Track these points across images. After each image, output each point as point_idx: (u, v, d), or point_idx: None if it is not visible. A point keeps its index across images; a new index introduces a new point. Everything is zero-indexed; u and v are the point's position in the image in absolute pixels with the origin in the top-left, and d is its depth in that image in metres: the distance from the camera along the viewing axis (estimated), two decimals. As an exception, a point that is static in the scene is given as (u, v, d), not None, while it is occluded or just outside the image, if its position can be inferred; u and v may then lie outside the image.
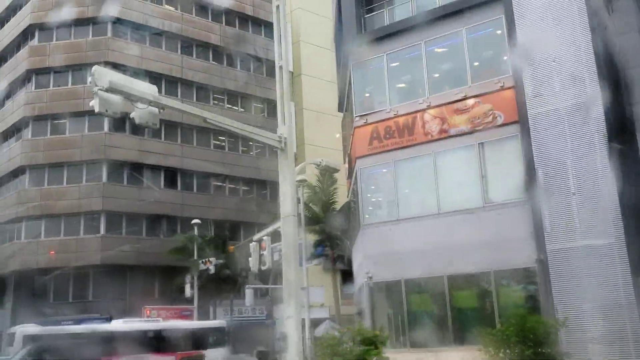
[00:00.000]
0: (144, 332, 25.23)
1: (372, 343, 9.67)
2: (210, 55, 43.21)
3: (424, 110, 17.46)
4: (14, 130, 40.26)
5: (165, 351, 25.07)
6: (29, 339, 21.86)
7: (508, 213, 15.45)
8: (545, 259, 14.08)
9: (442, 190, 16.73)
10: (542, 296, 14.32)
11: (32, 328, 23.49)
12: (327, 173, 28.46)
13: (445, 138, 16.94)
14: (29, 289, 37.12)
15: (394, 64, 18.88)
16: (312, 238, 30.84)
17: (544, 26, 15.34)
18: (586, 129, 14.36)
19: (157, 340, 25.25)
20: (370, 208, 19.29)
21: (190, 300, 34.93)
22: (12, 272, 37.15)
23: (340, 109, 25.26)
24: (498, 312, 14.80)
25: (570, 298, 13.48)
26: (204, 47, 42.78)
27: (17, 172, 38.85)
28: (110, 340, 22.98)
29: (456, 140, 16.84)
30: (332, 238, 31.22)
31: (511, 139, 15.98)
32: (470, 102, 16.72)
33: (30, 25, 39.64)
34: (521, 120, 15.37)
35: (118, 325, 25.34)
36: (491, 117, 16.32)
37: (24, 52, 40.02)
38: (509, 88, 16.08)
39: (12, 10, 42.48)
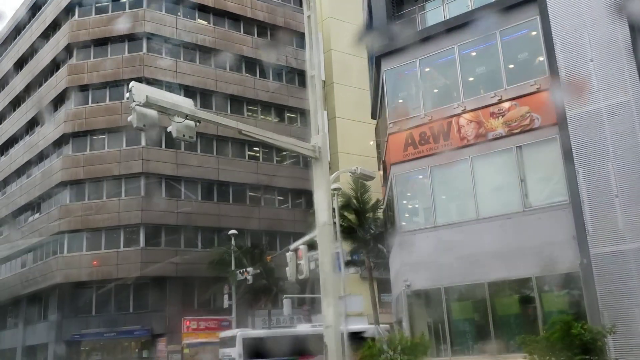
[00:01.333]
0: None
1: (412, 352, 9.52)
2: (243, 67, 43.69)
3: (459, 114, 17.25)
4: (55, 147, 41.35)
5: None
6: (247, 340, 27.57)
7: (549, 217, 15.11)
8: (589, 263, 13.71)
9: (480, 195, 16.47)
10: (587, 301, 13.93)
11: (249, 331, 30.31)
12: (360, 181, 28.39)
13: (481, 142, 16.69)
14: (73, 301, 37.94)
15: (427, 69, 18.74)
16: (348, 247, 30.73)
17: (581, 26, 15.03)
18: (628, 128, 13.98)
19: None
20: (406, 215, 19.12)
21: (228, 311, 35.18)
22: (56, 285, 38.05)
23: (373, 116, 25.17)
24: (542, 319, 14.46)
25: (617, 303, 13.08)
26: (237, 59, 43.28)
27: (58, 187, 39.85)
28: (303, 341, 26.09)
29: (493, 144, 16.57)
30: (368, 246, 31.04)
31: (550, 141, 15.65)
32: (507, 105, 16.46)
33: (68, 45, 40.78)
34: (559, 122, 15.05)
35: (306, 328, 29.31)
36: (528, 119, 16.03)
37: (63, 70, 41.16)
38: (546, 90, 15.78)
39: (51, 29, 43.78)
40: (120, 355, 38.67)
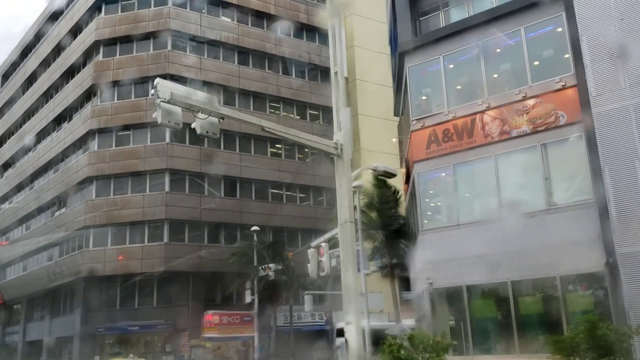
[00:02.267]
0: None
1: (434, 350, 9.49)
2: (266, 64, 43.84)
3: (483, 111, 17.10)
4: (81, 143, 41.99)
5: None
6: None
7: (573, 215, 14.91)
8: (615, 263, 13.51)
9: (504, 193, 16.32)
10: (612, 302, 13.74)
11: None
12: (380, 178, 28.26)
13: (506, 140, 16.53)
14: (97, 295, 38.55)
15: (450, 66, 18.61)
16: (369, 244, 30.69)
17: (608, 21, 14.78)
18: (656, 126, 13.72)
19: None
20: (429, 213, 19.02)
21: (250, 306, 35.40)
22: (82, 279, 38.68)
23: (396, 113, 25.08)
24: (565, 319, 14.29)
25: (643, 304, 12.88)
26: (260, 56, 43.45)
27: (84, 183, 40.47)
28: None
29: (517, 142, 16.39)
30: (389, 244, 30.94)
31: (575, 139, 15.45)
32: (531, 102, 16.27)
33: (95, 42, 41.35)
34: (585, 120, 14.83)
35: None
36: (553, 117, 15.83)
37: (89, 67, 41.76)
38: (572, 87, 15.56)
39: (78, 28, 44.44)
40: (143, 349, 39.18)
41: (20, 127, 52.40)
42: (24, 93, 52.30)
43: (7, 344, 49.69)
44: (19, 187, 51.22)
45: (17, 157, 52.35)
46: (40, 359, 40.92)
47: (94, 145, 40.73)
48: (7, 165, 54.42)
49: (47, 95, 48.30)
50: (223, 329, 37.83)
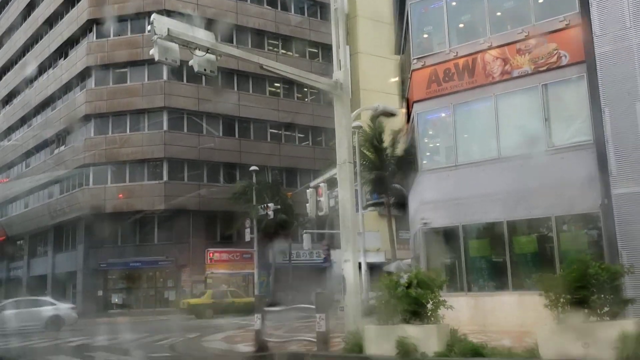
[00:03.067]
0: None
1: (428, 287, 9.72)
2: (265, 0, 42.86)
3: (485, 50, 16.84)
4: (78, 80, 41.53)
5: None
6: None
7: (572, 157, 14.95)
8: (610, 204, 13.65)
9: (503, 134, 16.30)
10: (606, 242, 13.96)
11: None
12: (376, 119, 28.18)
13: (507, 80, 16.35)
14: (99, 232, 39.09)
15: (453, 3, 18.18)
16: (367, 184, 30.92)
17: (616, -43, 14.34)
18: (659, 67, 13.54)
19: None
20: (427, 154, 19.04)
21: (250, 244, 36.02)
22: (82, 216, 39.13)
23: (397, 52, 24.69)
24: (559, 258, 14.56)
25: (636, 244, 13.09)
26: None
27: (82, 121, 40.30)
28: None
29: (518, 82, 16.22)
30: (387, 184, 31.18)
31: (577, 79, 15.28)
32: (534, 41, 15.99)
33: (89, -25, 40.24)
34: (588, 60, 14.63)
35: None
36: (556, 57, 15.60)
37: (84, 2, 40.77)
38: (575, 26, 15.27)
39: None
40: (145, 284, 40.10)
41: (16, 62, 51.62)
42: (21, 24, 51.05)
43: (11, 279, 50.81)
44: (18, 125, 51.02)
45: (15, 92, 51.83)
46: (45, 292, 41.92)
47: (91, 82, 40.30)
48: (5, 102, 53.97)
49: (42, 31, 47.33)
50: (224, 265, 38.68)
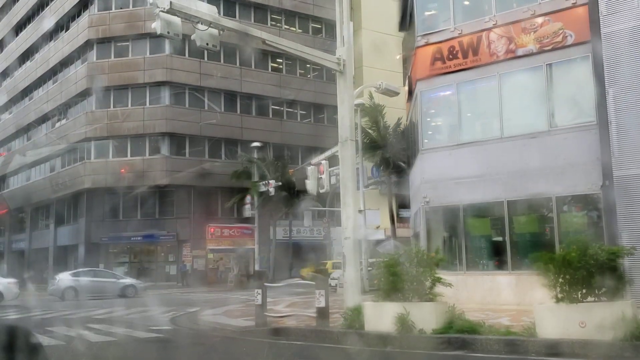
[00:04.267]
0: None
1: (427, 265, 9.79)
2: (268, -27, 42.36)
3: (490, 29, 16.67)
4: (79, 53, 41.25)
5: None
6: None
7: (574, 137, 14.89)
8: (612, 185, 13.64)
9: (506, 113, 16.22)
10: (606, 223, 13.98)
11: None
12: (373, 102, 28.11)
13: (511, 59, 16.21)
14: (100, 206, 39.21)
15: (459, -20, 17.95)
16: (369, 162, 30.90)
17: None
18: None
19: None
20: (429, 132, 18.97)
21: (251, 220, 36.13)
22: (84, 190, 39.21)
23: (401, 29, 24.45)
24: (558, 238, 14.60)
25: (636, 226, 13.12)
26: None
27: (84, 94, 40.13)
28: None
29: (522, 61, 16.08)
30: (388, 162, 31.17)
31: (581, 59, 15.14)
32: (539, 20, 15.83)
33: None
34: (593, 40, 14.49)
35: None
36: (561, 36, 15.44)
37: (85, -26, 40.34)
38: (582, 5, 15.09)
39: None
40: (146, 258, 40.35)
41: (17, 34, 51.25)
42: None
43: (14, 251, 51.13)
44: (19, 98, 50.83)
45: (14, 66, 51.56)
46: (47, 265, 42.21)
47: (92, 56, 40.04)
48: (6, 74, 53.71)
49: (43, 3, 46.89)
50: (225, 240, 38.86)
